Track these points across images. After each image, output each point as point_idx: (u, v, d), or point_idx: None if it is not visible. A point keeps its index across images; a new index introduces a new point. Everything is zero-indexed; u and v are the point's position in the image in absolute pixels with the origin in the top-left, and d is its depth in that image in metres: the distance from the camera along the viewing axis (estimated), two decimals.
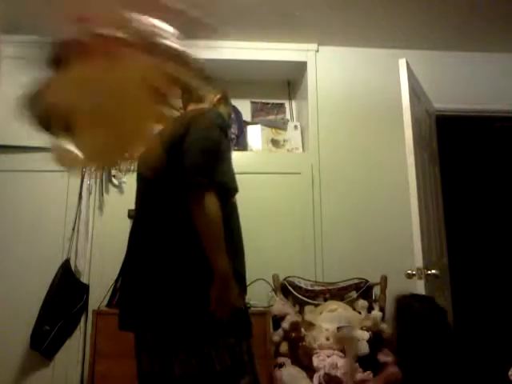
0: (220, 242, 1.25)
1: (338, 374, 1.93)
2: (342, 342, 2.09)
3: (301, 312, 2.37)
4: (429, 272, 2.16)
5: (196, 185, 1.25)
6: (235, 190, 1.36)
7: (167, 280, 1.26)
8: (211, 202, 1.23)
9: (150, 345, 1.29)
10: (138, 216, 1.46)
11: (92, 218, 2.59)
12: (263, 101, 3.23)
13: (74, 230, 2.53)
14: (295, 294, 2.43)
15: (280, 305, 2.27)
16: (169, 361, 1.23)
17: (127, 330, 1.36)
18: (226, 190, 1.32)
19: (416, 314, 1.82)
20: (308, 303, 2.42)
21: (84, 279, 2.50)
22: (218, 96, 1.63)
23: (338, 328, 2.14)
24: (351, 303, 2.41)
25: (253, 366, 1.27)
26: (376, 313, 2.31)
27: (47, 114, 0.80)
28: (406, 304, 1.87)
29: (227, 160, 1.35)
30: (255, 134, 2.97)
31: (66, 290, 2.41)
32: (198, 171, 1.25)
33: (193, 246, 1.27)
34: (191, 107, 1.60)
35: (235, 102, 3.01)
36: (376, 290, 2.46)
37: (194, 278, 1.25)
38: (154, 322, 1.25)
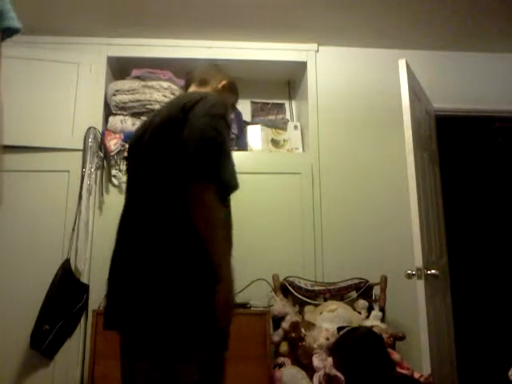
0: (223, 242, 1.16)
1: (338, 373, 1.93)
2: None
3: (301, 312, 2.37)
4: (429, 272, 2.16)
5: (197, 179, 1.13)
6: (235, 187, 1.23)
7: (148, 285, 1.16)
8: (212, 198, 1.13)
9: (128, 348, 1.20)
10: (126, 209, 1.32)
11: (92, 218, 2.59)
12: (263, 101, 3.23)
13: (73, 230, 2.53)
14: (295, 294, 2.43)
15: (280, 305, 2.27)
16: (132, 368, 1.16)
17: (109, 330, 1.27)
18: (226, 187, 1.20)
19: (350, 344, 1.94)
20: (308, 303, 2.42)
21: (84, 279, 2.49)
22: (224, 82, 1.51)
23: (337, 328, 2.14)
24: (351, 303, 2.42)
25: (220, 382, 1.18)
26: (376, 313, 2.31)
27: None
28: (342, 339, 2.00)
29: (228, 153, 1.22)
30: (255, 134, 2.97)
31: (66, 289, 2.40)
32: (201, 164, 1.13)
33: (178, 250, 1.17)
34: (192, 89, 1.50)
35: None
36: (376, 290, 2.47)
37: (176, 288, 1.14)
38: (127, 326, 1.18)
